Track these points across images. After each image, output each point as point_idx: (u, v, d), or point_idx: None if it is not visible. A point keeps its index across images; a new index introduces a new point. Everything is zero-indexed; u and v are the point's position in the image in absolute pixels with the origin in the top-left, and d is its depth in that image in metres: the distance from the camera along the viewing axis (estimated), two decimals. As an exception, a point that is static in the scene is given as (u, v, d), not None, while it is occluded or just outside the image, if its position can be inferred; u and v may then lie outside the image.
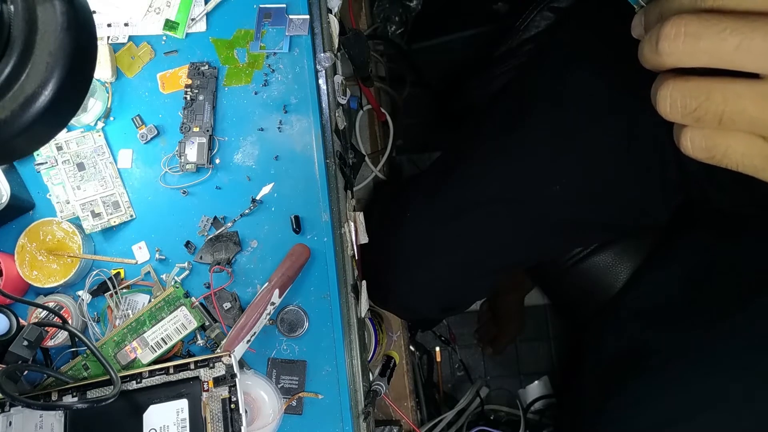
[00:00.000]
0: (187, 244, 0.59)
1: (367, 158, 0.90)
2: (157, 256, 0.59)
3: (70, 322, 0.56)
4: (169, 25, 0.60)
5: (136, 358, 0.56)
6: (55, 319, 0.55)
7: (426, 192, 0.78)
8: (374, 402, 0.61)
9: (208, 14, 0.60)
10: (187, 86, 0.59)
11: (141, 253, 0.59)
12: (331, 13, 0.60)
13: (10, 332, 0.53)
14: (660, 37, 0.30)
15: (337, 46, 0.61)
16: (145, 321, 0.57)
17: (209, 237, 0.58)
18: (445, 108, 1.25)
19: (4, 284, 0.56)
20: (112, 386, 0.50)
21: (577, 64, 0.71)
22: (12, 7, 0.38)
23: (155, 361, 0.56)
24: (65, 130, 0.58)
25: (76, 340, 0.57)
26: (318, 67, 0.59)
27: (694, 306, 0.70)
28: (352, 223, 0.59)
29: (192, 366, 0.53)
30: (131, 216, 0.59)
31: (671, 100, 0.31)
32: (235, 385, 0.52)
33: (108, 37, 0.60)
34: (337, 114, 0.60)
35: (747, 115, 0.30)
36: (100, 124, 0.60)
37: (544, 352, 1.30)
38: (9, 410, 0.53)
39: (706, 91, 0.30)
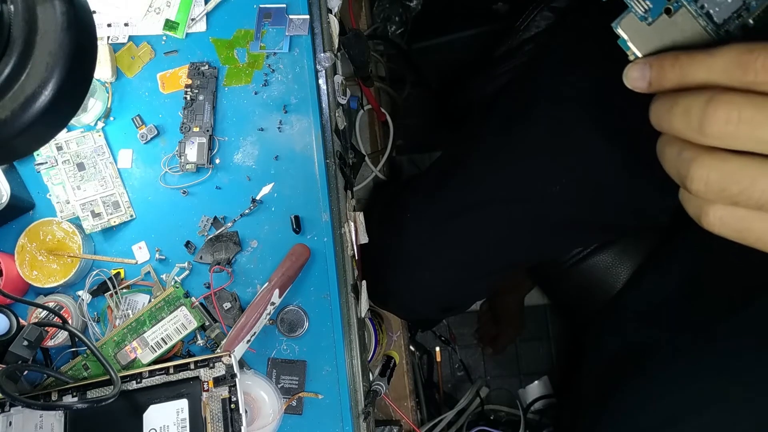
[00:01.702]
0: (187, 244, 0.59)
1: (367, 158, 0.90)
2: (157, 256, 0.59)
3: (70, 322, 0.56)
4: (169, 25, 0.60)
5: (136, 358, 0.56)
6: (55, 319, 0.55)
7: (426, 192, 0.78)
8: (374, 402, 0.61)
9: (208, 14, 0.60)
10: (187, 86, 0.59)
11: (141, 253, 0.59)
12: (331, 13, 0.60)
13: (10, 332, 0.53)
14: (707, 120, 0.28)
15: (337, 46, 0.61)
16: (145, 321, 0.57)
17: (209, 237, 0.58)
18: (445, 108, 1.25)
19: (4, 284, 0.56)
20: (112, 386, 0.50)
21: (576, 65, 0.71)
22: (12, 7, 0.38)
23: (155, 361, 0.56)
24: (65, 130, 0.58)
25: (76, 340, 0.57)
26: (318, 67, 0.59)
27: (694, 306, 0.70)
28: (352, 223, 0.59)
29: (192, 366, 0.53)
30: (131, 216, 0.59)
31: (708, 181, 0.29)
32: (235, 385, 0.52)
33: (108, 37, 0.60)
34: (337, 114, 0.60)
35: None
36: (100, 124, 0.60)
37: (544, 352, 1.30)
38: (9, 410, 0.53)
39: (751, 177, 0.28)
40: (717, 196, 0.29)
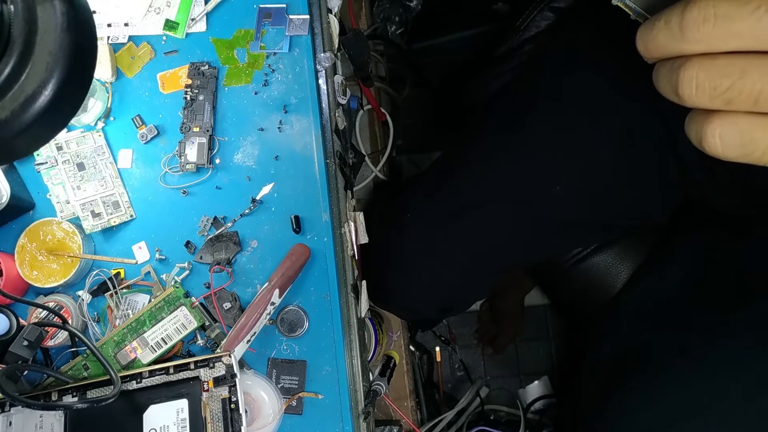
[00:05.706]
0: (187, 244, 0.59)
1: (367, 158, 0.90)
2: (157, 256, 0.59)
3: (70, 322, 0.56)
4: (169, 25, 0.60)
5: (136, 358, 0.56)
6: (55, 319, 0.55)
7: (426, 192, 0.78)
8: (374, 402, 0.61)
9: (208, 14, 0.60)
10: (187, 86, 0.59)
11: (141, 253, 0.59)
12: (331, 13, 0.60)
13: (10, 332, 0.53)
14: (685, 23, 0.28)
15: (337, 46, 0.61)
16: (145, 321, 0.57)
17: (209, 237, 0.58)
18: (445, 108, 1.25)
19: (4, 284, 0.56)
20: (112, 386, 0.50)
21: (577, 64, 0.71)
22: (12, 7, 0.38)
23: (155, 361, 0.56)
24: (65, 130, 0.58)
25: (76, 340, 0.57)
26: (318, 67, 0.59)
27: (694, 306, 0.70)
28: (352, 223, 0.59)
29: (192, 366, 0.53)
30: (131, 216, 0.59)
31: (698, 82, 0.28)
32: (235, 385, 0.52)
33: (108, 37, 0.60)
34: (337, 114, 0.60)
35: None
36: (100, 124, 0.60)
37: (544, 352, 1.30)
38: (9, 410, 0.53)
39: (740, 68, 0.27)
40: (709, 97, 0.28)
